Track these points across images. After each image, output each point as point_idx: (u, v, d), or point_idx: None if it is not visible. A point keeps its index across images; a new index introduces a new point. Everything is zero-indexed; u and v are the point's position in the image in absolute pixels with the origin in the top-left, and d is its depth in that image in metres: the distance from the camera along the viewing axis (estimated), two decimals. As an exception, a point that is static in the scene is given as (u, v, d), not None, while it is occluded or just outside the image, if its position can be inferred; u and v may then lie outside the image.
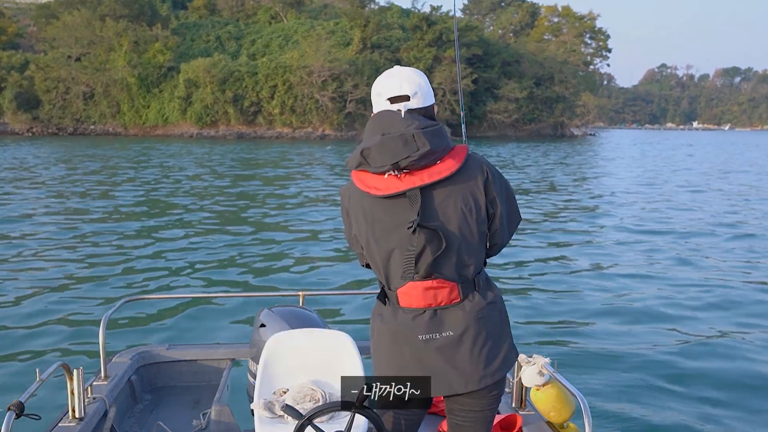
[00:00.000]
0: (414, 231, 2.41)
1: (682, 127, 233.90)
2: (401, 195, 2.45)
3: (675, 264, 12.30)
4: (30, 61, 77.23)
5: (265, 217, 17.57)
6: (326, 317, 4.21)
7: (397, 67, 2.64)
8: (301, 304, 4.52)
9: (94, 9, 78.73)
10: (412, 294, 2.49)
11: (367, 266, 2.71)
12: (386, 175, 2.45)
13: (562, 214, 18.90)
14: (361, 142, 2.54)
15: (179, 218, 17.27)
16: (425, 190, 2.45)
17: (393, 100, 2.54)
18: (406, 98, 2.53)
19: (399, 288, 2.51)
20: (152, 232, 15.12)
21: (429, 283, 2.47)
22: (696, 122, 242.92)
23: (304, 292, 4.75)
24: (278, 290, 9.19)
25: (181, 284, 10.57)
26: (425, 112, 2.56)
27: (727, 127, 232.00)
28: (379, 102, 2.58)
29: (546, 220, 17.60)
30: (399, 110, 2.51)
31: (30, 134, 73.89)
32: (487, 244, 2.62)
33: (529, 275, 11.34)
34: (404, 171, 2.44)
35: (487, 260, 2.67)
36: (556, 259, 12.74)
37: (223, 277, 10.98)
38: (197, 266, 11.74)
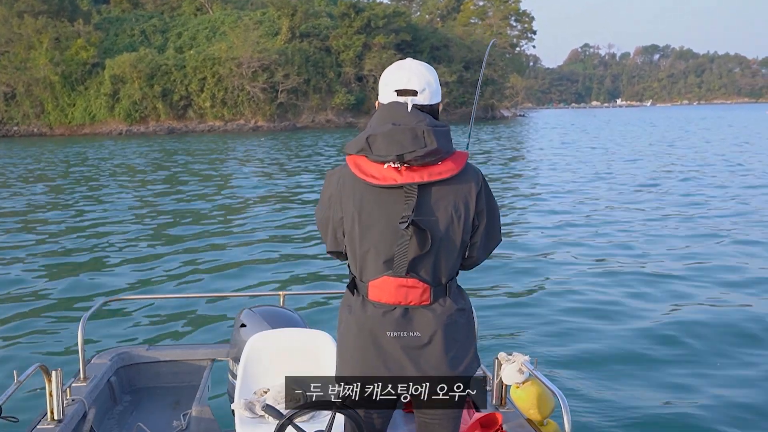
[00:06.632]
0: (408, 226, 2.39)
1: (606, 105, 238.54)
2: (398, 188, 2.43)
3: (653, 258, 11.78)
4: (-56, 61, 73.94)
5: (242, 218, 17.19)
6: (307, 317, 4.29)
7: (409, 60, 2.61)
8: (281, 304, 4.53)
9: (10, 6, 75.32)
10: (384, 288, 2.47)
11: (332, 253, 2.67)
12: (385, 166, 2.43)
13: (535, 204, 18.35)
14: (365, 129, 2.52)
15: (156, 218, 16.99)
16: (422, 188, 2.43)
17: (400, 92, 2.51)
18: (414, 93, 2.51)
19: (371, 280, 2.49)
20: (130, 234, 14.88)
21: (403, 281, 2.45)
22: (619, 99, 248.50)
23: (284, 292, 4.76)
24: (259, 290, 9.11)
25: (160, 285, 10.39)
26: (430, 110, 2.55)
27: (649, 103, 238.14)
28: (387, 92, 2.55)
29: (522, 213, 16.96)
30: (406, 103, 2.50)
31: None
32: (465, 255, 2.62)
33: (509, 271, 11.06)
34: (405, 165, 2.42)
35: (460, 271, 2.66)
36: (533, 255, 12.27)
37: (204, 278, 10.81)
38: (177, 267, 11.57)
